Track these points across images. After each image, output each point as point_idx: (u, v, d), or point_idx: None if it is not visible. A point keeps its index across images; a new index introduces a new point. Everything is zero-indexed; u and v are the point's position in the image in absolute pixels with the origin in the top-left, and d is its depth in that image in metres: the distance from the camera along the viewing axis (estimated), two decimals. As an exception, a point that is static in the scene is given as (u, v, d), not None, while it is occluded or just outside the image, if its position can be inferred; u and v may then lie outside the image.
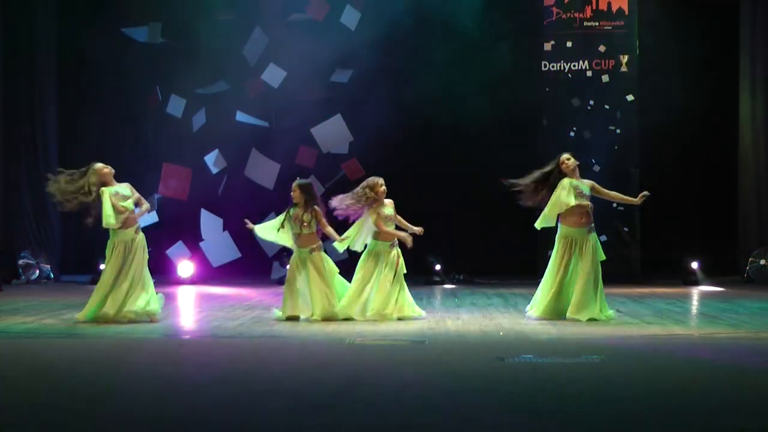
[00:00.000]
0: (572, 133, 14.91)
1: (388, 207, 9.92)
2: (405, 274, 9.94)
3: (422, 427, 4.84)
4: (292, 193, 9.90)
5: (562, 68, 15.05)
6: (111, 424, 4.96)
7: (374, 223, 9.79)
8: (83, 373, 6.46)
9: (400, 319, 9.68)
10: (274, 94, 15.38)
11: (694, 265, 14.40)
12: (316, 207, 9.85)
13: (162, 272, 14.03)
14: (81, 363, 6.95)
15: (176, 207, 14.97)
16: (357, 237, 9.93)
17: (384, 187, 9.87)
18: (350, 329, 8.97)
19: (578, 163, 9.96)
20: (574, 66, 15.02)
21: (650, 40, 15.04)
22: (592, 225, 9.84)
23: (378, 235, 9.86)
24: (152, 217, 14.28)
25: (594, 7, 14.99)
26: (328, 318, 9.62)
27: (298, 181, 10.08)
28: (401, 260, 9.90)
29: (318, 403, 5.40)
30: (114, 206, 9.53)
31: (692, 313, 10.76)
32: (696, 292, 13.28)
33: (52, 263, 15.35)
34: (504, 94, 14.93)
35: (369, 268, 9.85)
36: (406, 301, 9.89)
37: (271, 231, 10.01)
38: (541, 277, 10.12)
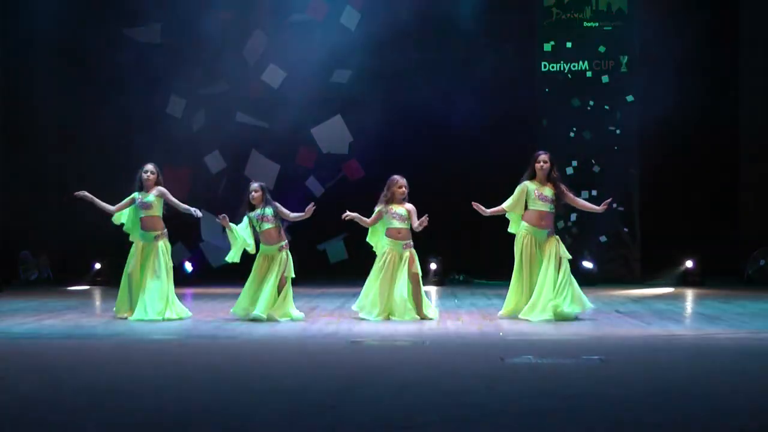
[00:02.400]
0: (572, 134, 14.92)
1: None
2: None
3: (422, 427, 4.84)
4: (254, 194, 9.89)
5: (561, 68, 15.05)
6: (111, 424, 4.95)
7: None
8: (83, 373, 6.46)
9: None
10: (274, 94, 15.38)
11: (689, 263, 14.42)
12: (274, 202, 9.96)
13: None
14: (81, 363, 6.95)
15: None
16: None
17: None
18: (350, 329, 8.97)
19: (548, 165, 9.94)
20: (574, 66, 15.02)
21: (650, 40, 15.04)
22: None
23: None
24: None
25: (594, 8, 15.00)
26: (277, 318, 9.62)
27: (257, 183, 10.09)
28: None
29: (318, 403, 5.40)
30: None
31: (692, 314, 10.76)
32: (692, 292, 13.28)
33: (52, 263, 15.35)
34: (504, 94, 14.94)
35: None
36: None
37: (243, 230, 9.98)
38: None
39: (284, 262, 9.87)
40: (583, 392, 5.70)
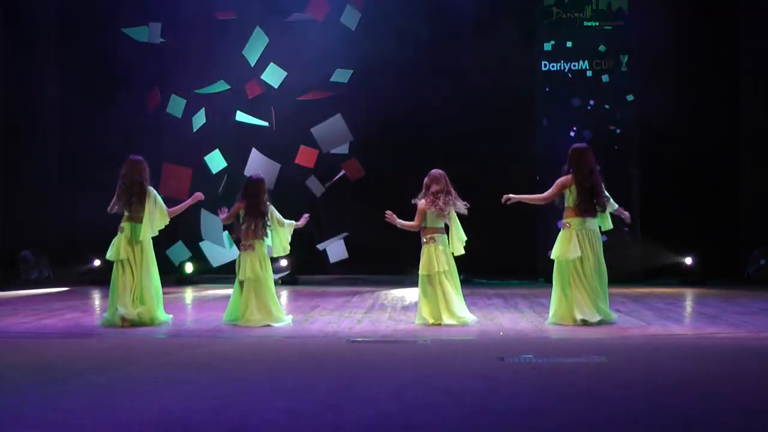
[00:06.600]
0: (572, 133, 14.93)
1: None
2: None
3: (422, 427, 4.84)
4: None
5: (562, 68, 15.06)
6: (110, 424, 4.96)
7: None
8: (83, 373, 6.46)
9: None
10: (274, 94, 15.38)
11: (688, 260, 14.44)
12: (242, 203, 9.28)
13: (162, 272, 14.00)
14: (81, 363, 6.95)
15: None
16: None
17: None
18: (350, 329, 8.98)
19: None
20: (574, 66, 15.03)
21: (650, 40, 15.05)
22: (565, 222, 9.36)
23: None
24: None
25: (594, 7, 15.01)
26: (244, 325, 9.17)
27: (257, 175, 9.56)
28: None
29: (318, 403, 5.40)
30: None
31: (692, 313, 10.76)
32: (692, 292, 13.27)
33: (52, 263, 15.36)
34: (504, 94, 14.96)
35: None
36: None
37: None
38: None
39: (238, 264, 9.37)
40: (583, 392, 5.70)
